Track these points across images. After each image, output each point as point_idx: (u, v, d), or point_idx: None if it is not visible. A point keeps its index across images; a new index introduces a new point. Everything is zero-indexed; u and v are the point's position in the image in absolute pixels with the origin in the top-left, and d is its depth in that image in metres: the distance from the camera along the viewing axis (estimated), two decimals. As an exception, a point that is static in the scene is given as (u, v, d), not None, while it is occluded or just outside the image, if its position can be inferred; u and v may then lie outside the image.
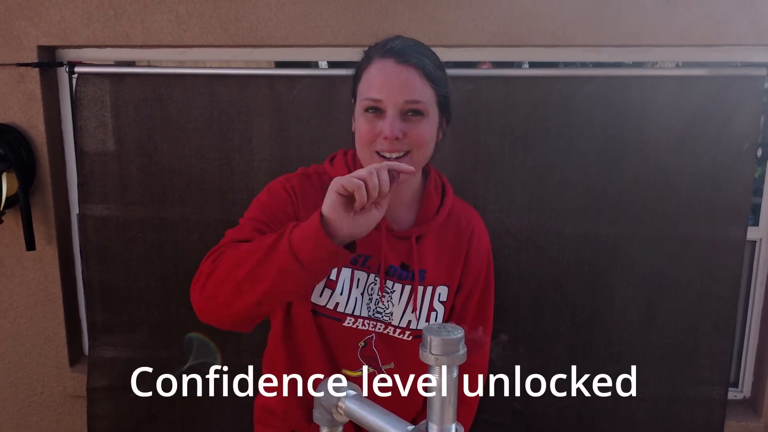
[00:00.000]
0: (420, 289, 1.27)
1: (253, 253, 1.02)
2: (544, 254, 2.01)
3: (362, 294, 1.25)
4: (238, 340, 2.12)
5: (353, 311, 1.25)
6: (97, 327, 2.21)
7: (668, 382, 2.05)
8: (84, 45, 2.08)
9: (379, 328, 1.28)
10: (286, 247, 0.97)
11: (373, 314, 1.26)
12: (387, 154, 1.16)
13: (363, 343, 1.29)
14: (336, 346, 1.28)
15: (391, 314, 1.27)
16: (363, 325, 1.27)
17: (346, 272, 1.24)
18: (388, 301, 1.26)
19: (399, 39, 1.21)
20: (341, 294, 1.24)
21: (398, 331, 1.28)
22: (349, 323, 1.26)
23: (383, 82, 1.15)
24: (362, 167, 1.19)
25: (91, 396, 2.24)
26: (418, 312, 1.27)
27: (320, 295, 1.24)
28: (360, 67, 1.22)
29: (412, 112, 1.16)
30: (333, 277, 1.24)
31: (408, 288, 1.27)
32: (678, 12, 1.86)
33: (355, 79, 1.24)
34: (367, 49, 1.24)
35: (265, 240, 1.03)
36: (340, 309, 1.25)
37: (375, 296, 1.26)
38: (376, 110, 1.16)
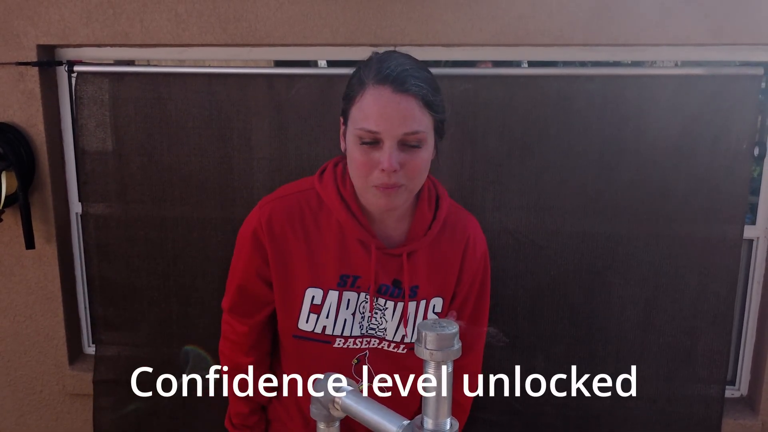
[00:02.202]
0: (413, 304, 1.25)
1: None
2: (542, 253, 2.01)
3: (353, 314, 1.23)
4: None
5: (342, 332, 1.23)
6: (100, 323, 2.22)
7: (666, 380, 2.05)
8: (83, 44, 2.08)
9: (373, 344, 1.27)
10: None
11: (366, 331, 1.25)
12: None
13: (356, 361, 1.28)
14: (327, 369, 1.27)
15: (385, 330, 1.25)
16: (355, 344, 1.25)
17: (333, 295, 1.22)
18: (381, 317, 1.24)
19: (394, 60, 1.12)
20: (327, 317, 1.22)
21: (392, 345, 1.27)
22: (339, 344, 1.24)
23: (380, 113, 1.08)
24: (351, 186, 1.20)
25: (96, 390, 2.25)
26: (411, 327, 1.25)
27: (306, 321, 1.23)
28: (352, 90, 1.15)
29: (409, 142, 1.10)
30: (318, 301, 1.21)
31: (401, 305, 1.24)
32: (676, 12, 1.86)
33: (347, 100, 1.17)
34: (357, 69, 1.16)
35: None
36: (328, 332, 1.23)
37: (367, 314, 1.24)
38: (372, 141, 1.10)
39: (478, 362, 1.43)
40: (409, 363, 1.29)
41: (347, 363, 1.27)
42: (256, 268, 1.25)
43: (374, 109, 1.09)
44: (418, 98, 1.09)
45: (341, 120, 1.21)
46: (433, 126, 1.15)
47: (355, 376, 1.29)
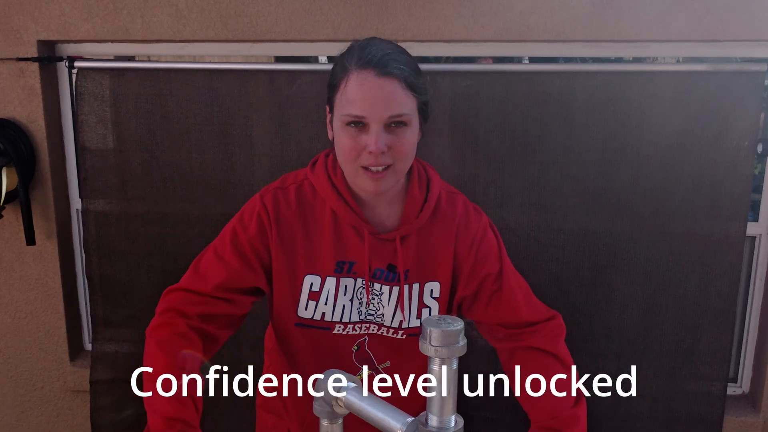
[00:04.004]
0: (407, 288, 1.25)
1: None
2: (544, 251, 2.01)
3: (351, 300, 1.24)
4: (239, 340, 2.12)
5: (341, 318, 1.24)
6: (99, 320, 2.21)
7: (668, 377, 2.05)
8: (83, 40, 2.08)
9: (373, 330, 1.27)
10: None
11: (365, 317, 1.26)
12: (373, 168, 1.13)
13: (356, 347, 1.29)
14: (328, 355, 1.28)
15: (383, 315, 1.26)
16: (354, 329, 1.26)
17: (330, 281, 1.23)
18: (378, 303, 1.25)
19: (375, 45, 1.14)
20: (326, 304, 1.23)
21: (391, 330, 1.27)
22: (338, 330, 1.25)
23: (365, 97, 1.10)
24: (341, 174, 1.21)
25: (93, 389, 2.25)
26: (407, 312, 1.25)
27: (305, 309, 1.24)
28: (336, 77, 1.16)
29: (395, 124, 1.12)
30: (316, 288, 1.23)
31: (396, 289, 1.25)
32: (678, 8, 1.85)
33: (331, 88, 1.19)
34: (340, 56, 1.18)
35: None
36: (327, 318, 1.24)
37: (365, 299, 1.25)
38: (358, 124, 1.12)
39: (545, 342, 1.32)
40: (408, 349, 1.29)
41: (348, 349, 1.28)
42: (256, 249, 1.24)
43: (358, 94, 1.11)
44: (401, 80, 1.11)
45: (327, 109, 1.23)
46: (417, 107, 1.16)
47: (356, 363, 1.30)
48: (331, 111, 1.20)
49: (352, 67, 1.12)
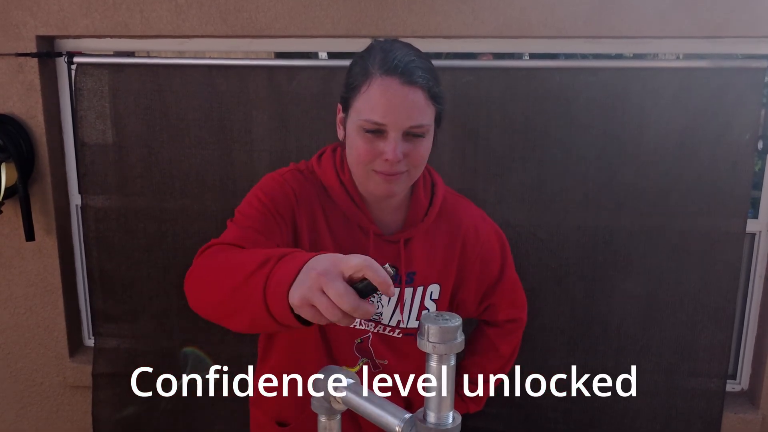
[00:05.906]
0: (410, 290, 1.26)
1: (234, 283, 0.90)
2: (544, 247, 2.01)
3: None
4: (239, 339, 2.12)
5: None
6: (100, 315, 2.22)
7: (667, 373, 2.05)
8: (83, 35, 2.07)
9: (370, 327, 1.29)
10: (260, 297, 0.83)
11: None
12: (387, 173, 1.12)
13: (359, 340, 1.30)
14: (334, 342, 1.28)
15: (381, 314, 1.27)
16: (360, 324, 1.28)
17: None
18: (377, 302, 1.26)
19: (398, 50, 1.11)
20: None
21: (388, 329, 1.29)
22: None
23: (388, 105, 1.08)
24: (350, 173, 1.20)
25: (95, 383, 2.26)
26: (407, 313, 1.27)
27: None
28: (356, 79, 1.13)
29: (414, 134, 1.12)
30: None
31: (396, 290, 1.25)
32: (679, 4, 1.85)
33: (350, 89, 1.15)
34: (360, 58, 1.15)
35: (245, 271, 0.89)
36: None
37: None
38: (376, 131, 1.11)
39: (503, 343, 1.46)
40: (405, 348, 1.31)
41: (351, 341, 1.29)
42: (281, 211, 1.18)
43: (382, 101, 1.09)
44: (425, 90, 1.10)
45: (339, 107, 1.21)
46: (434, 117, 1.16)
47: (356, 354, 1.30)
48: (345, 111, 1.18)
49: (375, 71, 1.10)
